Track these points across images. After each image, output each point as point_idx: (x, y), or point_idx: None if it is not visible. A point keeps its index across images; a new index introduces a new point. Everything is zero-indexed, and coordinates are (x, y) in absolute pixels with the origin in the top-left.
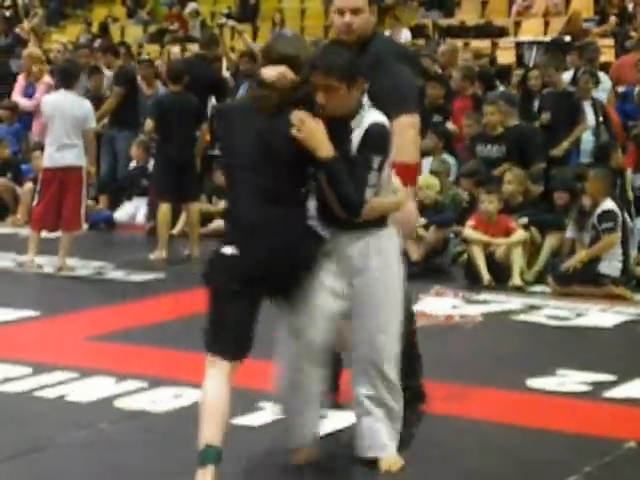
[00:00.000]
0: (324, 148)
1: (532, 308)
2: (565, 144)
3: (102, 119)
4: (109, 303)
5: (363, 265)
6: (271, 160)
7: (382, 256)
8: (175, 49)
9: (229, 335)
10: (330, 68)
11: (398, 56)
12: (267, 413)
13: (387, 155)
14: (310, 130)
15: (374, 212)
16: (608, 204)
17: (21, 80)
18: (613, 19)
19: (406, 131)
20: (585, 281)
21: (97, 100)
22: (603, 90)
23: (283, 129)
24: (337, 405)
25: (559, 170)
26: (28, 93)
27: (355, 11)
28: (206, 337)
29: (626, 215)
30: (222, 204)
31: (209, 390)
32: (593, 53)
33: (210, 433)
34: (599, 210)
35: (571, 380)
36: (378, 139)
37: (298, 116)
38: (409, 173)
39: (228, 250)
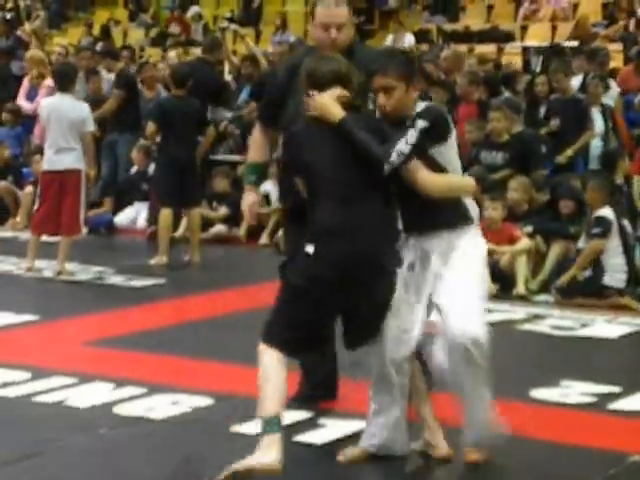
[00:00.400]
0: (336, 113)
1: (536, 318)
2: (569, 151)
3: (101, 120)
4: (109, 308)
5: (444, 263)
6: (350, 165)
7: (463, 253)
8: (172, 54)
9: (282, 329)
10: (387, 67)
11: None
12: None
13: (437, 127)
14: (319, 104)
15: (425, 179)
16: (603, 211)
17: (26, 83)
18: (621, 24)
19: None
20: (589, 294)
21: (97, 103)
22: (611, 97)
23: None
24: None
25: (563, 178)
26: (31, 96)
27: (340, 27)
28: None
29: (626, 223)
30: (222, 210)
31: (269, 367)
32: (604, 58)
33: (275, 404)
34: (593, 217)
35: (575, 391)
36: (427, 110)
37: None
38: None
39: (308, 249)
